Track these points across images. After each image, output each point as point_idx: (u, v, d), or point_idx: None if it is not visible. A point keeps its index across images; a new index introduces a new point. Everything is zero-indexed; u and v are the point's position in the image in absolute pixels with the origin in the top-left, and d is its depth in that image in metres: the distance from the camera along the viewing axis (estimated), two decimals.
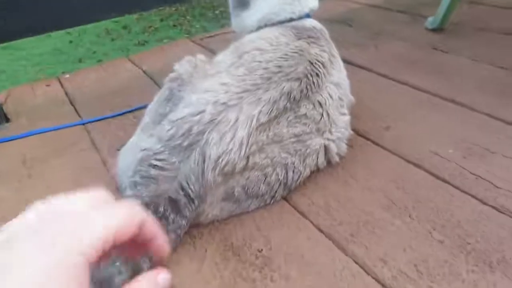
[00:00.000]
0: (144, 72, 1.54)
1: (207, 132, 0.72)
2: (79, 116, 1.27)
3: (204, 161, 0.71)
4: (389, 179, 0.88)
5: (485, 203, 0.79)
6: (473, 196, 0.81)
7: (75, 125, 1.21)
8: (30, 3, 1.22)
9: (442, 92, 1.17)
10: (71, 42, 4.90)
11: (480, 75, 1.25)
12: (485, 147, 0.93)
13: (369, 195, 0.85)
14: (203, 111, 0.73)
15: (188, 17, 5.54)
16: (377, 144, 0.99)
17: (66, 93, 1.43)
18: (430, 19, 1.62)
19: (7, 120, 1.28)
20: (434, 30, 1.60)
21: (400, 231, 0.75)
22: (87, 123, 1.21)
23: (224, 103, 0.74)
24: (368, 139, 1.01)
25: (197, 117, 0.73)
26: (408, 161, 0.93)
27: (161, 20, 5.51)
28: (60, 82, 1.52)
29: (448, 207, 0.79)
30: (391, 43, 1.56)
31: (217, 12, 5.49)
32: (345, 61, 1.00)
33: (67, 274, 0.28)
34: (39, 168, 1.03)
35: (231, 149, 0.73)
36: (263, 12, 1.00)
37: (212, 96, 0.75)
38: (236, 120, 0.74)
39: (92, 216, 0.33)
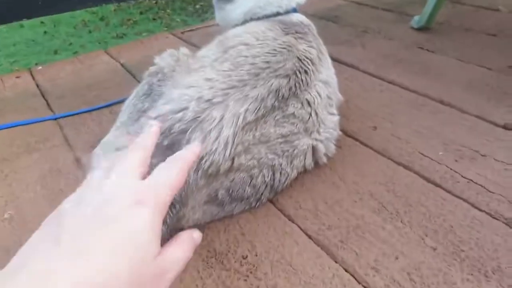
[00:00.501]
0: (122, 65, 1.47)
1: (189, 130, 0.67)
2: (51, 110, 1.20)
3: None
4: (379, 182, 0.85)
5: (477, 208, 0.76)
6: (465, 200, 0.78)
7: (46, 119, 1.13)
8: None
9: (430, 92, 1.15)
10: (45, 33, 4.72)
11: (467, 76, 1.23)
12: (475, 150, 0.91)
13: (359, 197, 0.81)
14: (185, 108, 0.68)
15: (168, 11, 5.42)
16: (365, 145, 0.96)
17: (38, 86, 1.35)
18: (415, 18, 1.60)
19: None
20: (419, 29, 1.58)
21: (391, 237, 0.72)
22: (59, 118, 1.14)
23: (208, 100, 0.69)
24: (356, 139, 0.98)
25: (179, 115, 0.67)
26: (398, 163, 0.90)
27: (141, 13, 5.38)
28: (31, 74, 1.43)
29: (440, 211, 0.76)
30: (377, 41, 1.54)
31: (197, 6, 5.39)
32: (333, 58, 0.96)
33: None
34: (5, 168, 0.96)
35: (216, 149, 0.68)
36: (248, 6, 0.95)
37: (195, 92, 0.70)
38: (222, 118, 0.69)
39: None
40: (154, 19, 5.24)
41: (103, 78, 1.37)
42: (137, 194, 0.38)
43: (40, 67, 1.49)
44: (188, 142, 0.66)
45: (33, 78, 1.40)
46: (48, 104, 1.23)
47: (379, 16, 1.80)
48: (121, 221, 0.35)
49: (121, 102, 1.15)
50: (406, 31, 1.60)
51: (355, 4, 1.97)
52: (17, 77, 1.41)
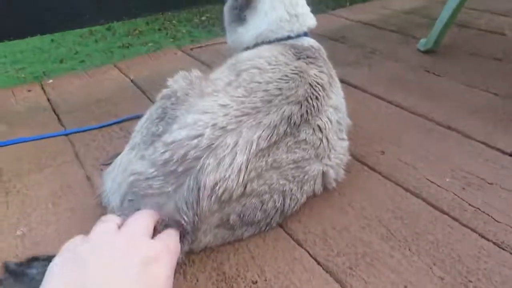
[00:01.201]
0: (132, 81, 1.48)
1: (203, 157, 0.68)
2: (62, 125, 1.21)
3: (199, 189, 0.66)
4: (387, 208, 0.86)
5: (485, 238, 0.77)
6: (472, 230, 0.79)
7: (57, 135, 1.15)
8: (17, 7, 1.17)
9: (437, 116, 1.17)
10: (52, 41, 4.76)
11: (474, 100, 1.25)
12: (482, 177, 0.92)
13: (367, 223, 0.82)
14: (201, 135, 0.69)
15: (174, 22, 5.47)
16: (373, 170, 0.97)
17: (49, 100, 1.37)
18: (422, 41, 1.62)
19: None
20: (426, 52, 1.60)
21: (399, 265, 0.73)
22: (70, 133, 1.15)
23: (223, 127, 0.70)
24: (364, 163, 0.99)
25: (195, 141, 0.68)
26: (406, 189, 0.91)
27: (147, 23, 5.42)
28: (42, 88, 1.45)
29: (448, 240, 0.77)
30: (384, 63, 1.56)
31: (203, 18, 5.44)
32: (340, 79, 0.97)
33: None
34: (17, 183, 0.97)
35: (229, 176, 0.69)
36: (260, 29, 0.97)
37: (210, 118, 0.71)
38: (235, 145, 0.70)
39: None
40: (159, 29, 5.28)
41: (113, 94, 1.39)
42: (152, 252, 0.41)
43: (50, 81, 1.51)
44: (202, 168, 0.67)
45: (44, 92, 1.42)
46: (59, 119, 1.25)
47: (386, 37, 1.82)
48: (141, 276, 0.37)
49: (131, 119, 1.17)
50: (412, 53, 1.62)
51: (362, 24, 2.00)
52: (29, 90, 1.43)
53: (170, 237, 0.59)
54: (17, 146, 1.11)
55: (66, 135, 1.15)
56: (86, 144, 1.11)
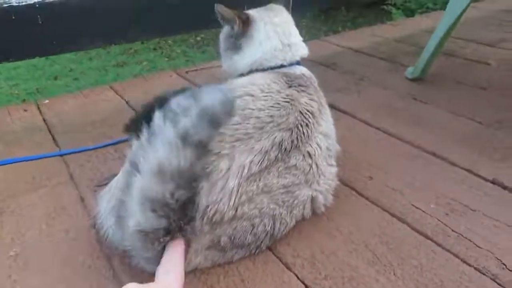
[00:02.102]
0: (127, 102, 1.51)
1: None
2: (57, 145, 1.23)
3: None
4: (374, 233, 0.88)
5: (467, 263, 0.80)
6: (455, 255, 0.82)
7: (53, 155, 1.17)
8: (16, 29, 1.20)
9: (423, 143, 1.21)
10: (47, 58, 4.79)
11: (459, 129, 1.29)
12: (465, 204, 0.96)
13: (354, 248, 0.85)
14: None
15: (169, 41, 5.55)
16: (361, 195, 1.00)
17: (44, 120, 1.39)
18: (410, 69, 1.68)
19: None
20: (413, 80, 1.66)
21: None
22: (65, 154, 1.17)
23: (217, 153, 0.73)
24: (352, 188, 1.02)
25: None
26: (392, 214, 0.94)
27: (142, 42, 5.49)
28: (38, 108, 1.47)
29: (431, 265, 0.80)
30: (373, 89, 1.61)
31: (198, 38, 5.53)
32: (330, 105, 1.01)
33: None
34: (12, 204, 0.98)
35: (221, 199, 0.72)
36: (255, 57, 1.01)
37: None
38: (228, 169, 0.73)
39: None
40: (155, 49, 5.35)
41: (108, 115, 1.42)
42: None
43: (46, 101, 1.53)
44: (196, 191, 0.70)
45: (40, 112, 1.44)
46: (54, 139, 1.27)
47: (375, 64, 1.88)
48: None
49: (126, 140, 1.19)
50: (400, 81, 1.67)
51: (352, 51, 2.06)
52: (25, 110, 1.45)
53: (176, 267, 0.66)
54: (12, 166, 1.12)
55: (61, 155, 1.17)
56: (81, 165, 1.13)
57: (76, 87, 3.70)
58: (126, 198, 0.70)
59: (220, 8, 0.98)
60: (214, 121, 0.66)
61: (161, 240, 0.67)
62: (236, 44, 1.03)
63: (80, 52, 4.95)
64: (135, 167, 0.68)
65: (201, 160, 0.67)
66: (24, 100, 3.29)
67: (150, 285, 0.61)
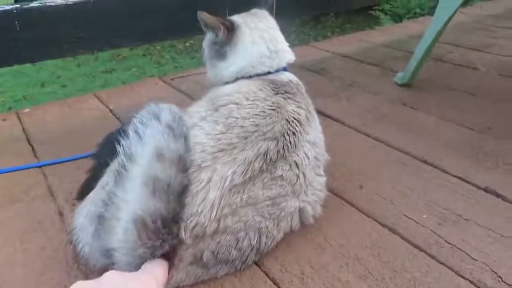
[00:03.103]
0: (111, 111, 1.47)
1: None
2: (36, 156, 1.18)
3: None
4: (365, 245, 0.85)
5: (461, 276, 0.77)
6: (449, 268, 0.79)
7: (30, 167, 1.12)
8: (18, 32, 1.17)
9: (413, 151, 1.18)
10: (34, 64, 4.71)
11: (449, 135, 1.27)
12: (458, 213, 0.93)
13: (344, 262, 0.81)
14: None
15: (158, 47, 5.51)
16: (351, 205, 0.97)
17: (24, 130, 1.34)
18: (399, 74, 1.66)
19: None
20: (403, 85, 1.64)
21: None
22: (44, 165, 1.13)
23: (198, 165, 0.70)
24: (342, 198, 0.99)
25: None
26: (383, 225, 0.91)
27: (131, 48, 5.44)
28: (18, 117, 1.42)
29: (425, 279, 0.77)
30: (362, 95, 1.58)
31: (187, 44, 5.50)
32: (319, 111, 0.98)
33: None
34: None
35: (201, 211, 0.68)
36: (241, 65, 0.97)
37: None
38: (209, 180, 0.70)
39: None
40: (144, 55, 5.30)
41: (91, 124, 1.37)
42: None
43: (27, 109, 1.48)
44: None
45: (20, 121, 1.39)
46: (33, 150, 1.22)
47: (364, 70, 1.86)
48: None
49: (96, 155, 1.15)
50: (390, 87, 1.65)
51: (341, 57, 2.04)
52: (4, 119, 1.40)
53: (158, 268, 0.63)
54: None
55: (40, 167, 1.12)
56: (60, 176, 1.08)
57: (64, 94, 3.64)
58: (117, 193, 0.68)
59: (203, 16, 0.94)
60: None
61: (157, 232, 0.63)
62: (221, 52, 0.99)
63: (68, 58, 4.90)
64: (130, 159, 0.68)
65: (189, 153, 0.69)
66: (10, 108, 3.22)
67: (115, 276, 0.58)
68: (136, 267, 0.64)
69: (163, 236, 0.63)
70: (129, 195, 0.66)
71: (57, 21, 1.27)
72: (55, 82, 4.26)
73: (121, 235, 0.66)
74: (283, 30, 1.04)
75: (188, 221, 0.67)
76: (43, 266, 0.81)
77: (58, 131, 1.33)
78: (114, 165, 0.75)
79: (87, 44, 1.35)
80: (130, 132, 0.71)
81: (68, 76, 4.44)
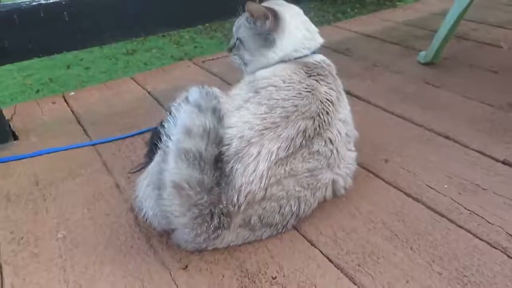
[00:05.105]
0: (149, 93, 1.58)
1: (231, 161, 0.80)
2: (88, 136, 1.31)
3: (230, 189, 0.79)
4: (390, 211, 0.95)
5: (479, 238, 0.86)
6: (467, 231, 0.88)
7: (85, 145, 1.24)
8: (42, 25, 1.27)
9: (436, 127, 1.26)
10: None
11: (470, 111, 1.34)
12: (477, 184, 1.02)
13: (372, 226, 0.91)
14: (228, 145, 0.80)
15: None
16: (377, 176, 1.07)
17: (73, 112, 1.46)
18: (422, 53, 1.71)
19: (16, 137, 1.30)
20: (425, 64, 1.69)
21: (402, 262, 0.82)
22: (97, 143, 1.25)
23: (248, 140, 0.80)
24: (369, 171, 1.08)
25: (223, 149, 0.80)
26: (407, 194, 1.00)
27: None
28: (65, 100, 1.55)
29: (446, 240, 0.86)
30: (386, 75, 1.65)
31: (206, 24, 5.53)
32: (345, 91, 1.04)
33: None
34: (53, 191, 1.06)
35: (253, 180, 0.79)
36: (288, 50, 1.01)
37: (237, 131, 0.82)
38: (258, 154, 0.80)
39: None
40: (163, 35, 5.38)
41: (132, 106, 1.49)
42: None
43: (72, 93, 1.61)
44: (231, 171, 0.79)
45: (68, 104, 1.52)
46: (84, 130, 1.34)
47: (387, 49, 1.92)
48: None
49: (152, 130, 1.26)
50: (412, 65, 1.71)
51: (364, 36, 2.10)
52: (53, 102, 1.53)
53: None
54: (48, 156, 1.20)
55: (94, 145, 1.24)
56: (113, 153, 1.21)
57: (88, 76, 3.77)
58: (162, 166, 0.81)
59: (251, 6, 0.98)
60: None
61: (197, 197, 0.76)
62: (269, 40, 1.01)
63: None
64: (170, 138, 0.82)
65: (221, 123, 0.81)
66: (38, 91, 3.37)
67: None
68: (194, 229, 0.77)
69: (204, 198, 0.76)
70: (168, 165, 0.79)
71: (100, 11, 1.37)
72: (79, 65, 4.38)
73: (167, 200, 0.79)
74: (305, 7, 1.09)
75: (242, 188, 0.79)
76: (110, 230, 0.93)
77: (103, 112, 1.45)
78: (162, 145, 0.87)
79: (126, 32, 1.45)
80: (169, 118, 0.86)
81: (90, 59, 4.56)
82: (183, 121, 0.81)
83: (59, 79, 3.99)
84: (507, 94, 1.43)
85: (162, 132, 0.86)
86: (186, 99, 0.86)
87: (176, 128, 0.82)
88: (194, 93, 0.86)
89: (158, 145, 0.89)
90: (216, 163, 0.78)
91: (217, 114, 0.82)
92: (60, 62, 4.57)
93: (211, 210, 0.77)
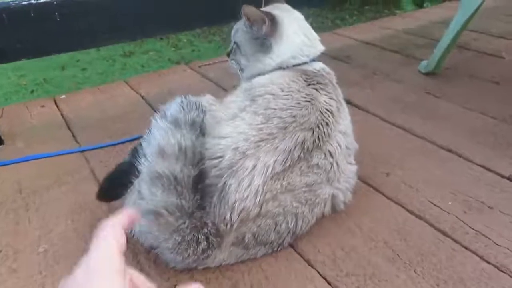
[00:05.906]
0: (143, 97, 1.53)
1: (225, 176, 0.75)
2: (77, 142, 1.25)
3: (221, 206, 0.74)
4: (392, 229, 0.90)
5: (486, 261, 0.82)
6: (473, 252, 0.84)
7: (73, 152, 1.19)
8: (32, 25, 1.22)
9: (437, 139, 1.22)
10: None
11: (472, 123, 1.30)
12: (482, 201, 0.97)
13: (374, 245, 0.87)
14: (221, 157, 0.75)
15: None
16: (378, 191, 1.02)
17: (62, 116, 1.41)
18: (423, 63, 1.68)
19: (1, 142, 1.25)
20: (426, 73, 1.66)
21: (405, 286, 0.77)
22: (86, 150, 1.19)
23: (243, 152, 0.75)
24: (370, 185, 1.04)
25: (215, 162, 0.75)
26: (410, 211, 0.95)
27: None
28: (55, 104, 1.49)
29: (451, 263, 0.81)
30: (386, 83, 1.61)
31: (204, 27, 5.50)
32: (345, 100, 0.99)
33: None
34: (36, 199, 1.01)
35: (247, 196, 0.74)
36: (285, 56, 0.97)
37: (231, 142, 0.77)
38: (253, 168, 0.75)
39: None
40: (161, 38, 5.33)
41: (125, 110, 1.44)
42: None
43: (63, 96, 1.55)
44: (224, 186, 0.74)
45: (58, 108, 1.46)
46: (73, 135, 1.29)
47: (387, 57, 1.88)
48: None
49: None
50: (413, 74, 1.67)
51: (364, 44, 2.06)
52: (42, 106, 1.47)
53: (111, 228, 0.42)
54: (35, 162, 1.15)
55: (82, 151, 1.19)
56: (101, 161, 1.15)
57: (84, 77, 3.72)
58: (140, 190, 0.77)
59: (248, 10, 0.94)
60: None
61: (177, 223, 0.72)
62: (266, 45, 0.97)
63: None
64: (146, 158, 0.78)
65: (200, 139, 0.77)
66: (32, 91, 3.31)
67: None
68: (180, 254, 0.74)
69: (186, 223, 0.72)
70: (142, 191, 0.76)
71: (93, 13, 1.33)
72: (75, 66, 4.32)
73: (147, 227, 0.76)
74: (305, 13, 1.04)
75: (236, 205, 0.74)
76: None
77: (95, 117, 1.40)
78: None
79: (122, 34, 1.40)
80: (145, 136, 0.84)
81: (87, 60, 4.50)
82: (157, 140, 0.77)
83: (54, 79, 3.93)
84: (510, 105, 1.39)
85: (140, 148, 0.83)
86: (163, 114, 0.82)
87: (150, 148, 0.78)
88: (173, 106, 0.82)
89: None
90: (195, 185, 0.74)
91: (197, 127, 0.78)
92: (55, 63, 4.51)
93: (194, 235, 0.73)
